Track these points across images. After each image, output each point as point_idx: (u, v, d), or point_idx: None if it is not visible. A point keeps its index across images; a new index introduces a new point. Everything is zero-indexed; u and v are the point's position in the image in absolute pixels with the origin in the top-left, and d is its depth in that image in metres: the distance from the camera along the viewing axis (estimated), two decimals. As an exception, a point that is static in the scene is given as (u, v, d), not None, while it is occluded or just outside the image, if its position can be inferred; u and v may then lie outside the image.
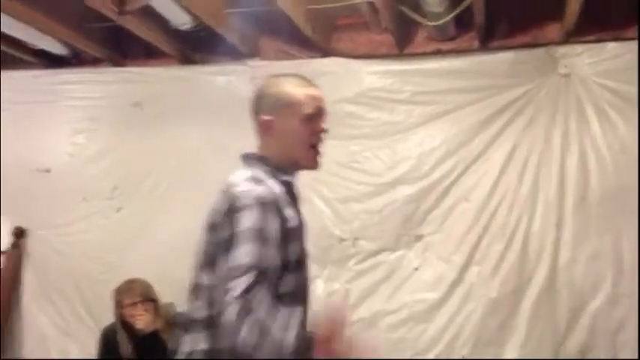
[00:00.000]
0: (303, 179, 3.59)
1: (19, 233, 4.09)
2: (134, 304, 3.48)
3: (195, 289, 1.80)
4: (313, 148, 1.92)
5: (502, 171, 3.55)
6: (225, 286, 1.62)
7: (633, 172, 3.35)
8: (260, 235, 1.68)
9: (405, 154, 3.67)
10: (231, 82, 3.93)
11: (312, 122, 1.90)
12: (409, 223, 3.62)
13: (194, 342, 1.78)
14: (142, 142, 4.05)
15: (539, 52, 3.58)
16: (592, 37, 3.52)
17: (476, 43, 3.65)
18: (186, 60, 4.07)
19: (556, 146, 3.50)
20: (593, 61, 3.49)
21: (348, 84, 3.76)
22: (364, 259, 3.67)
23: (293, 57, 3.87)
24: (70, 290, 4.00)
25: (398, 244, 3.64)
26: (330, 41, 3.85)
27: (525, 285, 3.44)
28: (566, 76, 3.52)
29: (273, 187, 1.81)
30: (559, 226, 3.46)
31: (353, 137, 3.74)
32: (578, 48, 3.52)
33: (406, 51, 3.77)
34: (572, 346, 3.34)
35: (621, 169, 3.39)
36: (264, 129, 1.92)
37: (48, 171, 4.13)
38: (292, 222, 1.82)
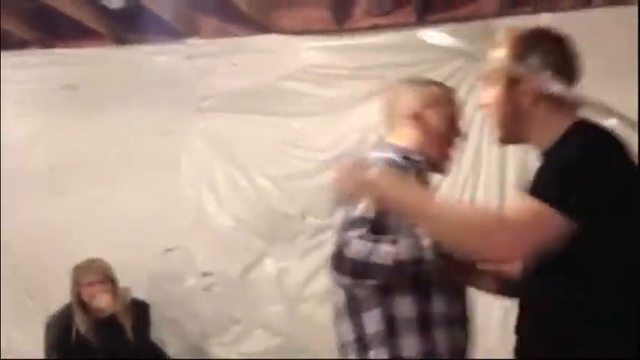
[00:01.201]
0: (245, 159, 3.40)
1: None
2: (93, 283, 3.15)
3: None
4: (450, 151, 1.86)
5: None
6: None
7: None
8: None
9: (349, 130, 3.40)
10: (169, 62, 3.63)
11: (455, 124, 1.86)
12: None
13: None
14: (79, 124, 3.67)
15: (475, 25, 3.38)
16: (528, 9, 3.35)
17: (413, 18, 3.44)
18: (121, 40, 3.69)
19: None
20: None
21: (288, 61, 3.51)
22: (313, 236, 3.41)
23: (232, 34, 3.60)
24: (14, 277, 3.60)
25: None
26: (268, 18, 3.56)
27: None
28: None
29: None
30: (502, 184, 3.30)
31: (295, 114, 3.47)
32: (515, 21, 3.28)
33: (344, 26, 3.53)
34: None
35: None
36: (413, 121, 1.82)
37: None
38: None
